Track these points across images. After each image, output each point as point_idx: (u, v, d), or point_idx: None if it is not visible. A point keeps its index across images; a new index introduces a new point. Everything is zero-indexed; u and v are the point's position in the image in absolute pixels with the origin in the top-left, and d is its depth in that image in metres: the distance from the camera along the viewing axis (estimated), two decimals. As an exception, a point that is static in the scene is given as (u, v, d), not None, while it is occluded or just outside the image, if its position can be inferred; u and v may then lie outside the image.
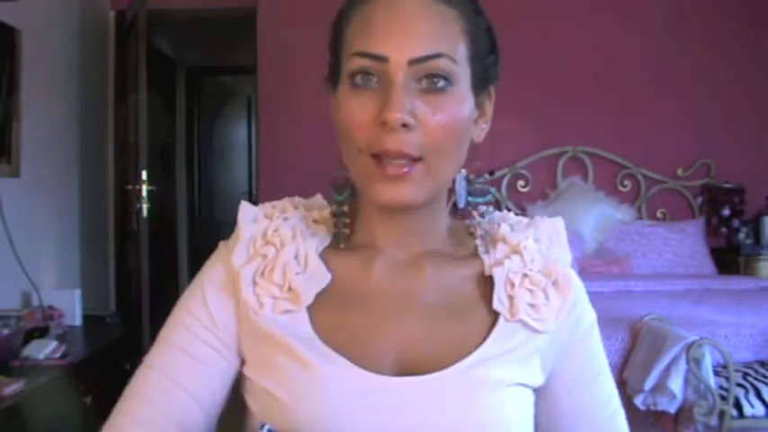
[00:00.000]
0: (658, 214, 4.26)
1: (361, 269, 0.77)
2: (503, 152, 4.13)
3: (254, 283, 0.75)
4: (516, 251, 0.78)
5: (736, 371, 2.29)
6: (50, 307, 2.95)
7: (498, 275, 0.77)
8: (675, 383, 2.25)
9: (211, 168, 6.50)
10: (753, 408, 2.22)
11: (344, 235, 0.79)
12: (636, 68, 4.21)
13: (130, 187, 3.87)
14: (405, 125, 0.67)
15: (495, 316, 0.76)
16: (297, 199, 0.84)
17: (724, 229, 4.09)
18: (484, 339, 0.74)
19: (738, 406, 2.22)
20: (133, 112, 3.80)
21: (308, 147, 3.73)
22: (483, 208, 0.82)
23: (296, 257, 0.76)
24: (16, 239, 2.85)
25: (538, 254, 0.79)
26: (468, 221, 0.82)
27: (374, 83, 0.69)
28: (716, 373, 2.29)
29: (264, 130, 4.36)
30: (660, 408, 2.31)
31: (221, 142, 6.67)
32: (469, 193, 0.80)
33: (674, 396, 2.27)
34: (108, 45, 4.24)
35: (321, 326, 0.74)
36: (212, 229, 6.06)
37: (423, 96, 0.69)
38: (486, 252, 0.80)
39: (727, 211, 4.08)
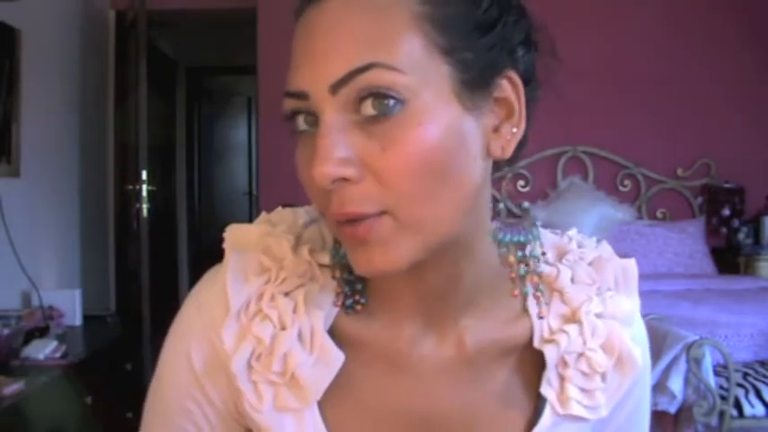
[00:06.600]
0: (658, 214, 4.26)
1: (383, 343, 0.60)
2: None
3: (250, 367, 0.58)
4: (575, 318, 0.61)
5: (736, 371, 2.28)
6: (50, 307, 2.95)
7: (550, 355, 0.60)
8: (675, 383, 2.25)
9: (211, 168, 6.49)
10: (753, 408, 2.22)
11: (356, 304, 0.60)
12: (636, 68, 4.20)
13: (130, 187, 3.87)
14: (344, 179, 0.48)
15: (538, 398, 0.62)
16: (298, 222, 0.64)
17: (724, 229, 4.09)
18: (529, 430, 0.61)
19: (738, 406, 2.22)
20: (133, 112, 3.80)
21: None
22: (525, 247, 0.64)
23: (299, 337, 0.57)
24: (16, 239, 2.85)
25: (601, 323, 0.62)
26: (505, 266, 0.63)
27: (310, 125, 0.53)
28: (716, 373, 2.29)
29: (264, 130, 4.35)
30: (660, 408, 2.31)
31: (221, 142, 6.66)
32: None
33: (674, 396, 2.26)
34: (108, 45, 4.24)
35: (335, 424, 0.59)
36: (212, 229, 6.05)
37: (366, 128, 0.49)
38: (537, 304, 0.62)
39: (727, 211, 4.08)
